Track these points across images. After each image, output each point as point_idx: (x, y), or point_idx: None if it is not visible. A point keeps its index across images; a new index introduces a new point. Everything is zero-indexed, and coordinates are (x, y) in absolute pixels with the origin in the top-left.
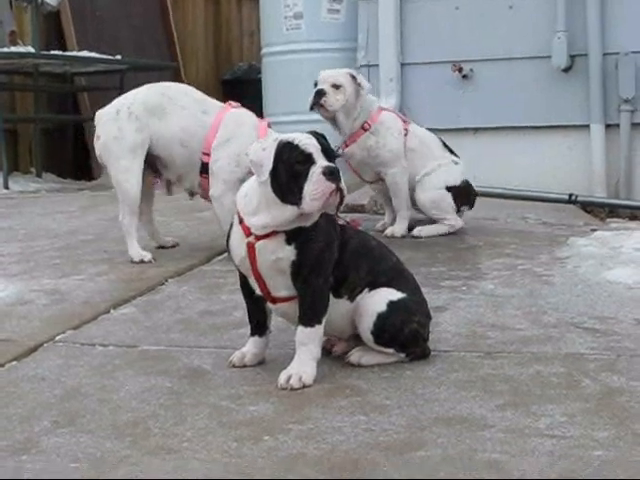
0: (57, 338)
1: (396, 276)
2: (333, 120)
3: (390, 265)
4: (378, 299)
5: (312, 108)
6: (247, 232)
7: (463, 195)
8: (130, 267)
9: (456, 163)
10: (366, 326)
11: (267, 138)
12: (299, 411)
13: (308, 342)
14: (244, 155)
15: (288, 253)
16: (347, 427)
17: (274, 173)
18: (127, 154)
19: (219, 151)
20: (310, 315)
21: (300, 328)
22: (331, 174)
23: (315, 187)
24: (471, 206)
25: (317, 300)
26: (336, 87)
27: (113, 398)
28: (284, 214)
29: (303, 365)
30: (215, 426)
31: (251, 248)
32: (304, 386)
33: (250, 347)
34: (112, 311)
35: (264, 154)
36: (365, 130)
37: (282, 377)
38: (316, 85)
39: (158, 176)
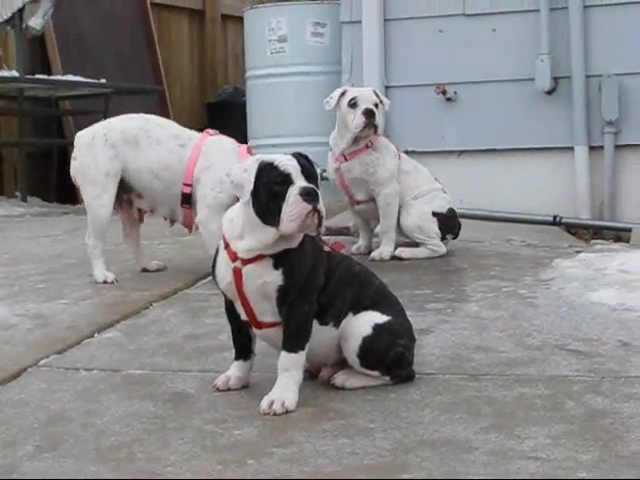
0: (41, 362)
1: (381, 299)
2: (356, 138)
3: (374, 289)
4: (363, 322)
5: (364, 129)
6: (233, 257)
7: (449, 224)
8: (114, 291)
9: (444, 192)
10: (352, 349)
11: (248, 159)
12: (283, 435)
13: (291, 367)
14: (226, 180)
15: (275, 277)
16: (331, 450)
17: (255, 194)
18: (100, 180)
19: (201, 179)
20: (294, 341)
21: (283, 353)
22: (307, 195)
23: (292, 208)
24: (455, 236)
25: (302, 326)
26: (376, 106)
27: (97, 423)
28: (267, 236)
29: (286, 390)
30: (199, 450)
31: (237, 273)
32: (287, 411)
33: (234, 371)
34: (96, 335)
35: (245, 175)
36: (367, 147)
37: (264, 402)
38: (354, 105)
39: (129, 204)
